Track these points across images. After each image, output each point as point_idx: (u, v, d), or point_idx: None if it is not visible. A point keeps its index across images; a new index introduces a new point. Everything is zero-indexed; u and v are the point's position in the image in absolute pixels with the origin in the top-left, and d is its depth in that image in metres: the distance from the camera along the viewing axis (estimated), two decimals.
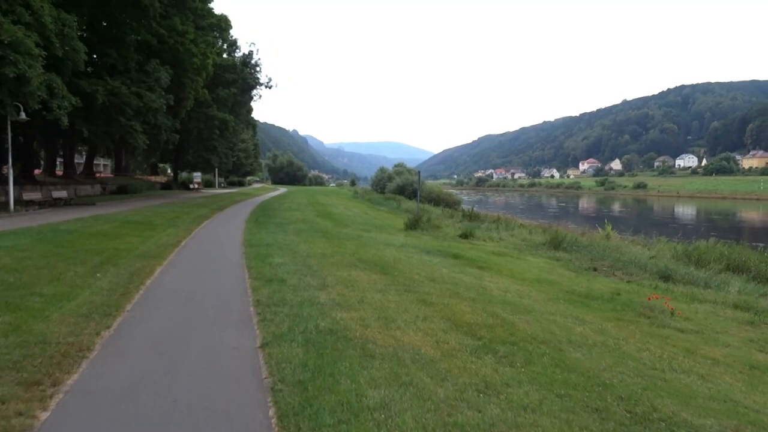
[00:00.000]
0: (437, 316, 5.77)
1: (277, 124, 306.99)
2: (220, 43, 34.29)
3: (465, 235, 17.10)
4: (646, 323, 6.79)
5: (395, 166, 78.92)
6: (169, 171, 51.67)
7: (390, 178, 62.78)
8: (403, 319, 5.50)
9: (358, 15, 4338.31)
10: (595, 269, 12.36)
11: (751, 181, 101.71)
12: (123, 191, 32.25)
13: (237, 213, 22.31)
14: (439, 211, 37.57)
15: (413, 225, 18.59)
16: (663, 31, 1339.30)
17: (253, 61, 41.86)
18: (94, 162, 43.81)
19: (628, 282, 10.85)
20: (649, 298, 7.96)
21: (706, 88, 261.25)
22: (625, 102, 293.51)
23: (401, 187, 53.44)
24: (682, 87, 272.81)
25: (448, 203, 49.65)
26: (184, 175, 56.18)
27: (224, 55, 39.28)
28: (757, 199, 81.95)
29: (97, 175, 56.61)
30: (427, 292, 7.01)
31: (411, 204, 41.85)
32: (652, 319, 7.04)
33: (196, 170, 52.69)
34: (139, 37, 25.05)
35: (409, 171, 70.74)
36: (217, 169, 53.50)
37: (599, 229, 21.01)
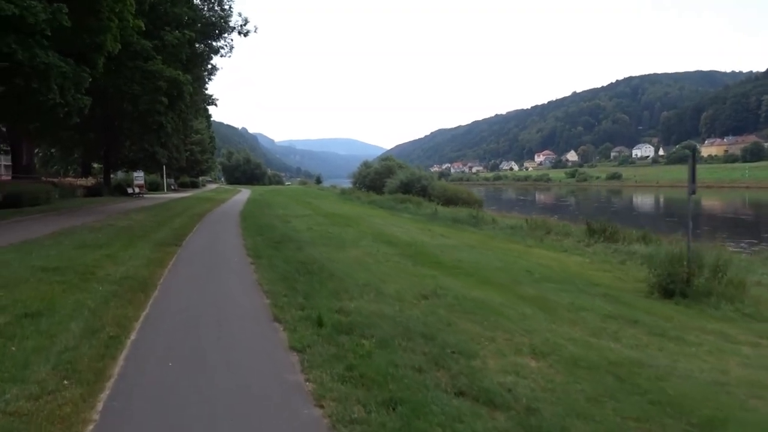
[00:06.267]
0: None
1: (225, 122, 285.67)
2: None
3: None
4: None
5: (382, 159, 66.75)
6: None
7: (385, 173, 50.24)
8: None
9: (305, 11, 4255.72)
10: None
11: (730, 169, 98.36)
12: (12, 203, 19.22)
13: (223, 259, 9.47)
14: (465, 212, 26.10)
15: (676, 286, 7.40)
16: (609, 23, 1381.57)
17: None
18: None
19: None
20: None
21: (654, 79, 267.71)
22: (575, 94, 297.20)
23: (405, 185, 41.67)
24: (631, 78, 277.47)
25: (468, 202, 38.25)
26: (120, 175, 41.58)
27: None
28: (747, 188, 76.97)
29: None
30: None
31: (437, 208, 28.32)
32: None
33: (137, 169, 38.30)
34: None
35: (400, 165, 55.94)
36: (165, 167, 39.09)
37: None
